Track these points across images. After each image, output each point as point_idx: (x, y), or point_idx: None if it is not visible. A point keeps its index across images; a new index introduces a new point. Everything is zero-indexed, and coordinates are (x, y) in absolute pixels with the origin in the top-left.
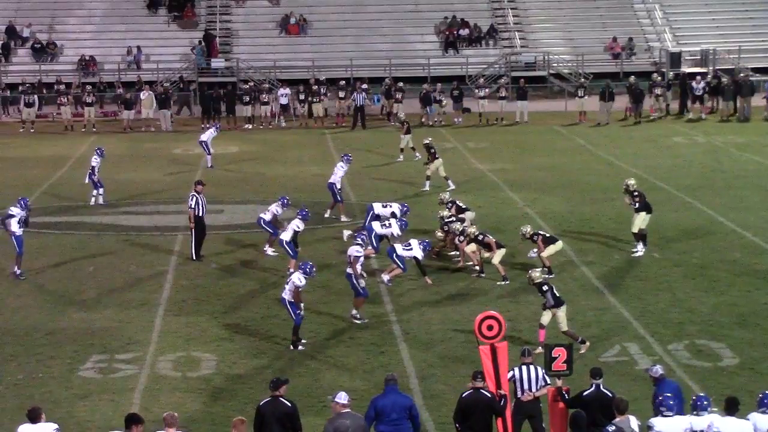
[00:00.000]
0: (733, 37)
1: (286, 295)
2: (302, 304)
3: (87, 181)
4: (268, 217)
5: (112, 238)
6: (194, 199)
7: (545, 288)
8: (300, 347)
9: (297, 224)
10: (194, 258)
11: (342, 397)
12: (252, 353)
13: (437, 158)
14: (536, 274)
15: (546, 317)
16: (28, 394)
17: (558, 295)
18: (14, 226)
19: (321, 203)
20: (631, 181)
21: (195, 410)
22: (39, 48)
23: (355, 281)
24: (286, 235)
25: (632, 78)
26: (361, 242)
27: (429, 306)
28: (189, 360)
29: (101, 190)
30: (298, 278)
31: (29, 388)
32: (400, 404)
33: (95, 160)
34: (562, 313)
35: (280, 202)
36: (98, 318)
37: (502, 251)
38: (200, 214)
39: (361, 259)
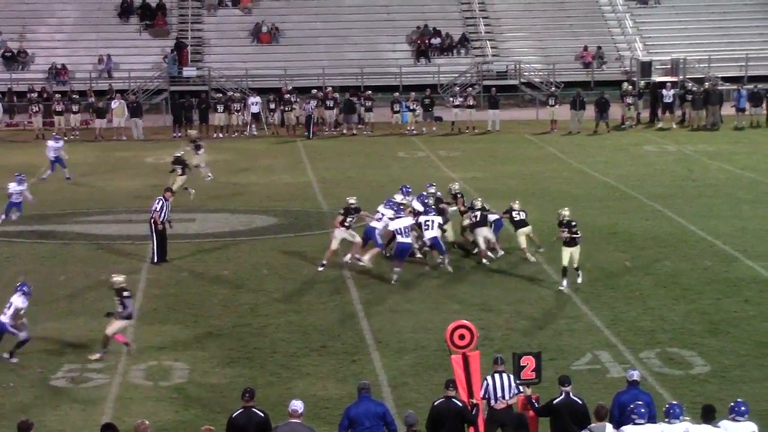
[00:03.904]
0: (704, 46)
1: (7, 319)
2: (25, 321)
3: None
4: (381, 225)
5: (83, 247)
6: (160, 203)
7: (126, 294)
8: (14, 360)
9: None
10: (155, 261)
11: (293, 405)
12: (224, 362)
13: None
14: (119, 278)
15: (116, 326)
16: None
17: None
18: None
19: (292, 211)
20: (566, 212)
21: (167, 419)
22: (9, 56)
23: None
24: (431, 233)
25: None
26: (393, 208)
27: (401, 314)
28: (161, 369)
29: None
30: (21, 301)
31: (0, 397)
32: (373, 412)
33: (13, 186)
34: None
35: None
36: (70, 327)
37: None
38: (162, 219)
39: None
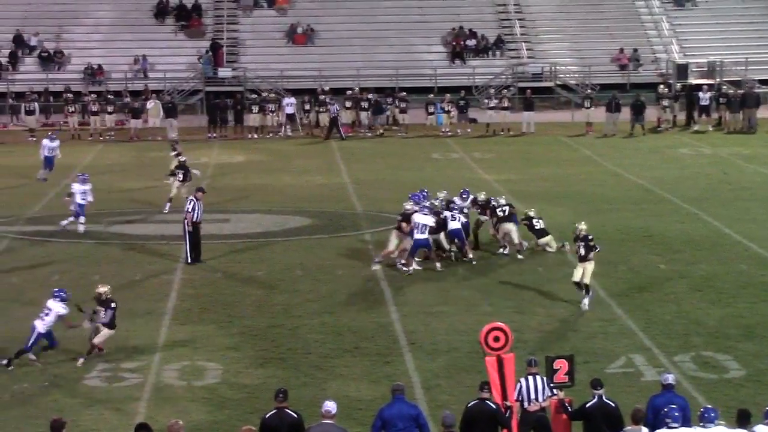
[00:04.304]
0: (740, 48)
1: (42, 327)
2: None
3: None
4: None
5: (117, 247)
6: (192, 204)
7: (113, 305)
8: (11, 367)
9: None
10: (189, 261)
11: (326, 406)
12: (257, 362)
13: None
14: (104, 289)
15: (103, 335)
16: (34, 403)
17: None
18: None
19: (326, 213)
20: (582, 226)
21: (200, 419)
22: (46, 56)
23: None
24: (455, 224)
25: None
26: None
27: (434, 315)
28: (194, 369)
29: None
30: (61, 308)
31: (34, 396)
32: (406, 414)
33: (77, 187)
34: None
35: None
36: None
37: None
38: (196, 219)
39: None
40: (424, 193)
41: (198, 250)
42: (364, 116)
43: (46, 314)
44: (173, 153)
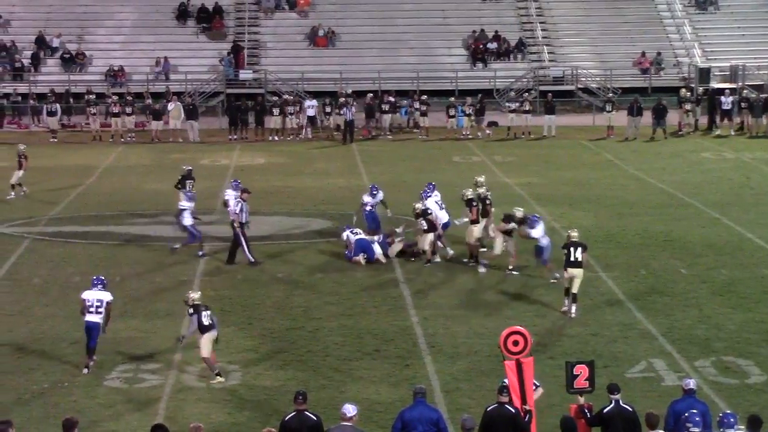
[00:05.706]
0: (763, 53)
1: (102, 319)
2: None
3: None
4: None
5: (138, 249)
6: (240, 205)
7: (191, 311)
8: (86, 371)
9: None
10: (253, 261)
11: (345, 409)
12: (277, 364)
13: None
14: (195, 295)
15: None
16: (54, 403)
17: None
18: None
19: (347, 215)
20: (574, 233)
21: (219, 421)
22: (68, 58)
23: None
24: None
25: (694, 91)
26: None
27: (454, 319)
28: None
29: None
30: (108, 295)
31: (55, 397)
32: (427, 417)
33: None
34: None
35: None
36: (124, 328)
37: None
38: (243, 221)
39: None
40: (375, 188)
41: (235, 252)
42: (384, 119)
43: (98, 307)
44: (19, 169)
